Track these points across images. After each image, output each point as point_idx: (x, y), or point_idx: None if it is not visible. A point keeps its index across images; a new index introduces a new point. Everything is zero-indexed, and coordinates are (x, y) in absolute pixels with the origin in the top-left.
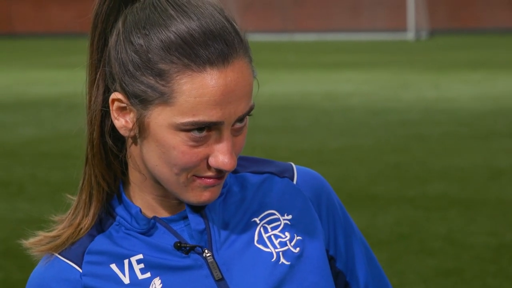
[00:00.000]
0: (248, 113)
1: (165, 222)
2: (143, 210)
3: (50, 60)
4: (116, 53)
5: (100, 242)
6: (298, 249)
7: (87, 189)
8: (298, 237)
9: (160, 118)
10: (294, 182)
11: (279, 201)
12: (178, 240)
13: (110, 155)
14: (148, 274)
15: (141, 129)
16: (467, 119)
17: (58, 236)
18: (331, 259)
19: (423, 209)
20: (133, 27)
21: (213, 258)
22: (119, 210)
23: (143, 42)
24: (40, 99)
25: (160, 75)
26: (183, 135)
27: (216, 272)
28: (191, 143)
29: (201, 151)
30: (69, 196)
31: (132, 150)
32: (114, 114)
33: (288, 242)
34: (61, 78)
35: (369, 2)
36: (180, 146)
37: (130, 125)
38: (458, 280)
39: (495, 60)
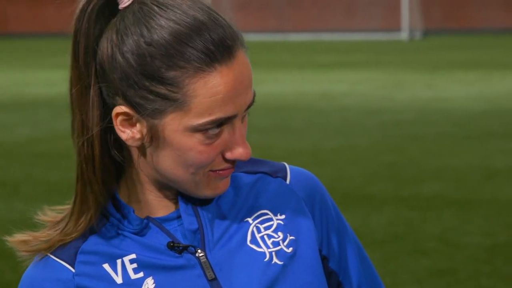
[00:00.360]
0: (253, 100)
1: (158, 222)
2: (137, 211)
3: (46, 60)
4: (114, 66)
5: (93, 242)
6: (291, 249)
7: (82, 206)
8: (291, 237)
9: (175, 124)
10: (287, 182)
11: (272, 201)
12: (171, 240)
13: (110, 166)
14: (141, 274)
15: (154, 138)
16: (462, 119)
17: (49, 240)
18: (324, 259)
19: (418, 209)
20: (129, 36)
21: (206, 258)
22: (113, 210)
23: (145, 51)
24: (36, 99)
25: (171, 83)
26: (199, 135)
27: (209, 272)
28: (208, 141)
29: (217, 146)
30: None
31: (137, 157)
32: (119, 127)
33: (281, 242)
34: (57, 78)
35: (364, 2)
36: (197, 147)
37: (139, 135)
38: (452, 280)
39: (490, 60)
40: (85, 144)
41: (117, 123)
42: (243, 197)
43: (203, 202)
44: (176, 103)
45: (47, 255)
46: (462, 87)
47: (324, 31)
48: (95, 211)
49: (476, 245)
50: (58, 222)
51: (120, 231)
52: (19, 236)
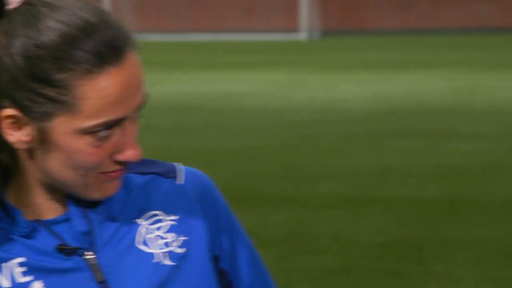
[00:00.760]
0: (144, 101)
1: (47, 225)
2: (26, 214)
3: None
4: (2, 68)
5: None
6: (182, 249)
7: None
8: (184, 238)
9: (64, 127)
10: (180, 182)
11: (164, 202)
12: (60, 243)
13: None
14: (30, 277)
15: (43, 141)
16: (358, 119)
17: None
18: (216, 259)
19: (313, 208)
20: (17, 37)
21: (96, 260)
22: (1, 213)
23: (33, 53)
24: None
25: (60, 85)
26: (89, 137)
27: (98, 275)
28: (97, 143)
29: (107, 148)
30: None
31: (26, 160)
32: (7, 130)
33: (172, 242)
34: None
35: (263, 3)
36: (86, 149)
37: (27, 138)
38: (346, 278)
39: (386, 60)
40: None
41: (5, 126)
42: (135, 198)
43: (93, 204)
44: (65, 106)
45: None
46: (359, 87)
47: (223, 31)
48: None
49: (369, 243)
50: None
51: (8, 235)
52: None
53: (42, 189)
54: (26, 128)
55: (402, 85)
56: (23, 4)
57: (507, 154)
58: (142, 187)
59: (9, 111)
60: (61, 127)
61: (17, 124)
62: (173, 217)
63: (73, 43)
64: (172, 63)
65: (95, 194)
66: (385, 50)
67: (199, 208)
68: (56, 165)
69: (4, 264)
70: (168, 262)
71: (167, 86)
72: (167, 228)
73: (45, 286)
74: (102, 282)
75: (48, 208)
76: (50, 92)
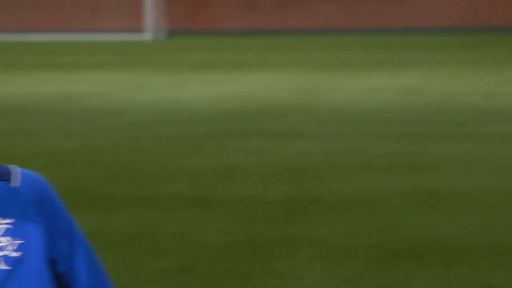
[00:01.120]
0: None
1: None
2: None
3: None
4: None
5: None
6: (18, 253)
7: None
8: (19, 241)
9: None
10: (15, 185)
11: None
12: None
13: None
14: None
15: None
16: (203, 119)
17: None
18: (52, 262)
19: (157, 209)
20: None
21: None
22: None
23: None
24: None
25: None
26: None
27: None
28: None
29: None
30: None
31: None
32: None
33: (7, 246)
34: None
35: (108, 3)
36: None
37: None
38: (190, 279)
39: (232, 61)
40: None
41: None
42: None
43: None
44: None
45: None
46: (204, 87)
47: (66, 31)
48: None
49: (214, 243)
50: None
51: None
52: None
53: None
54: None
55: (247, 86)
56: None
57: (348, 153)
58: None
59: None
60: None
61: None
62: (8, 221)
63: None
64: (14, 64)
65: None
66: (231, 50)
67: (36, 211)
68: None
69: None
70: (3, 266)
71: (9, 87)
72: (2, 231)
73: None
74: None
75: None
76: None
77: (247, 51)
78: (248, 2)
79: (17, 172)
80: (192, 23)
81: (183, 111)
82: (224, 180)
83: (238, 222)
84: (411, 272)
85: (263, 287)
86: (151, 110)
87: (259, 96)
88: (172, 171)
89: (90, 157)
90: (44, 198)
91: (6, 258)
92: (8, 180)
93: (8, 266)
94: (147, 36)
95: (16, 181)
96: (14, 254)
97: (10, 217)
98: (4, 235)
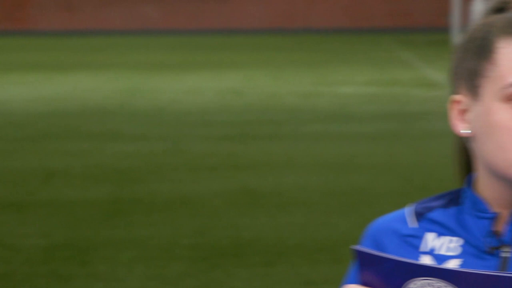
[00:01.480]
0: None
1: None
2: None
3: None
4: None
5: None
6: None
7: None
8: None
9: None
10: None
11: None
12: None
13: None
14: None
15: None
16: (21, 121)
17: None
18: None
19: None
20: None
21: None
22: None
23: None
24: None
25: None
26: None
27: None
28: None
29: None
30: None
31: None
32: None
33: None
34: None
35: None
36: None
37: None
38: (8, 284)
39: (51, 62)
40: None
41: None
42: None
43: None
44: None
45: None
46: (22, 88)
47: None
48: None
49: (33, 247)
50: None
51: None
52: None
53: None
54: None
55: (67, 87)
56: None
57: (169, 154)
58: None
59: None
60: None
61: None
62: None
63: None
64: None
65: None
66: (50, 51)
67: None
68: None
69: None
70: None
71: None
72: None
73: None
74: None
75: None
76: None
77: (67, 52)
78: (68, 2)
79: None
80: (10, 23)
81: (0, 113)
82: (44, 183)
83: (58, 226)
84: (232, 271)
85: None
86: None
87: (79, 97)
88: None
89: None
90: None
91: None
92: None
93: None
94: None
95: None
96: None
97: None
98: None
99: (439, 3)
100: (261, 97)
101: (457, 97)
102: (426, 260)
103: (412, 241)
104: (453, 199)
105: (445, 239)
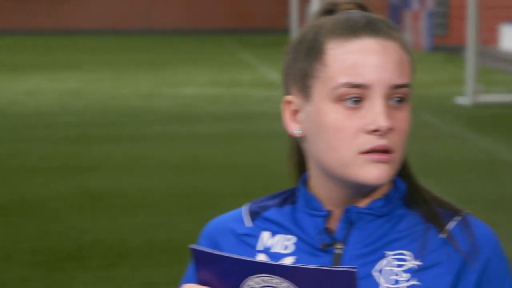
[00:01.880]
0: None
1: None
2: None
3: None
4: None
5: None
6: None
7: None
8: None
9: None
10: None
11: None
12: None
13: None
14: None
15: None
16: None
17: None
18: None
19: None
20: None
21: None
22: None
23: None
24: None
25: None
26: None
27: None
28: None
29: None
30: None
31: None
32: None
33: None
34: None
35: None
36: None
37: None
38: None
39: None
40: None
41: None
42: None
43: None
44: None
45: None
46: None
47: None
48: None
49: None
50: None
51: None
52: None
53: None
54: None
55: None
56: None
57: (8, 157)
58: None
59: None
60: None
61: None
62: None
63: None
64: None
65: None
66: None
67: None
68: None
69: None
70: None
71: None
72: None
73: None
74: None
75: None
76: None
77: None
78: None
79: None
80: None
81: None
82: None
83: None
84: (74, 274)
85: None
86: None
87: None
88: None
89: None
90: None
91: None
92: None
93: None
94: None
95: None
96: None
97: None
98: None
99: (278, 5)
100: (102, 98)
101: (289, 97)
102: (262, 259)
103: (248, 240)
104: (288, 198)
105: (280, 238)
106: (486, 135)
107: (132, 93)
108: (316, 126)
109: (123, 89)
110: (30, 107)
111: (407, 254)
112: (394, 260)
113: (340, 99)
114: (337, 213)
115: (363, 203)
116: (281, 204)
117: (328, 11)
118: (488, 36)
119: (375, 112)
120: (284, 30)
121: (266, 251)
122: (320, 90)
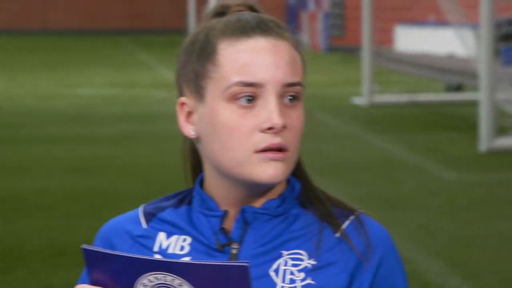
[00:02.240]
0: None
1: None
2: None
3: None
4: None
5: None
6: None
7: None
8: None
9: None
10: None
11: None
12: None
13: None
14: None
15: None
16: None
17: None
18: None
19: None
20: None
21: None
22: None
23: None
24: None
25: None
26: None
27: None
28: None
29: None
30: None
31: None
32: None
33: None
34: None
35: None
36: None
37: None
38: None
39: None
40: None
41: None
42: None
43: None
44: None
45: None
46: None
47: None
48: None
49: None
50: None
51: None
52: None
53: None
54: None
55: None
56: None
57: None
58: None
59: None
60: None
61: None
62: None
63: None
64: None
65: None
66: None
67: None
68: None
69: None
70: None
71: None
72: None
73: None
74: None
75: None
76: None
77: None
78: None
79: None
80: None
81: None
82: None
83: None
84: None
85: None
86: None
87: None
88: None
89: None
90: None
91: None
92: None
93: None
94: None
95: None
96: None
97: None
98: None
99: (176, 5)
100: None
101: (183, 99)
102: None
103: (145, 242)
104: (185, 198)
105: (176, 238)
106: (382, 134)
107: (28, 94)
108: (211, 127)
109: (19, 90)
110: None
111: (303, 254)
112: (290, 259)
113: (233, 98)
114: (233, 213)
115: (259, 203)
116: (177, 205)
117: (220, 13)
118: (383, 37)
119: (269, 110)
120: (182, 31)
121: (162, 252)
122: (214, 90)
